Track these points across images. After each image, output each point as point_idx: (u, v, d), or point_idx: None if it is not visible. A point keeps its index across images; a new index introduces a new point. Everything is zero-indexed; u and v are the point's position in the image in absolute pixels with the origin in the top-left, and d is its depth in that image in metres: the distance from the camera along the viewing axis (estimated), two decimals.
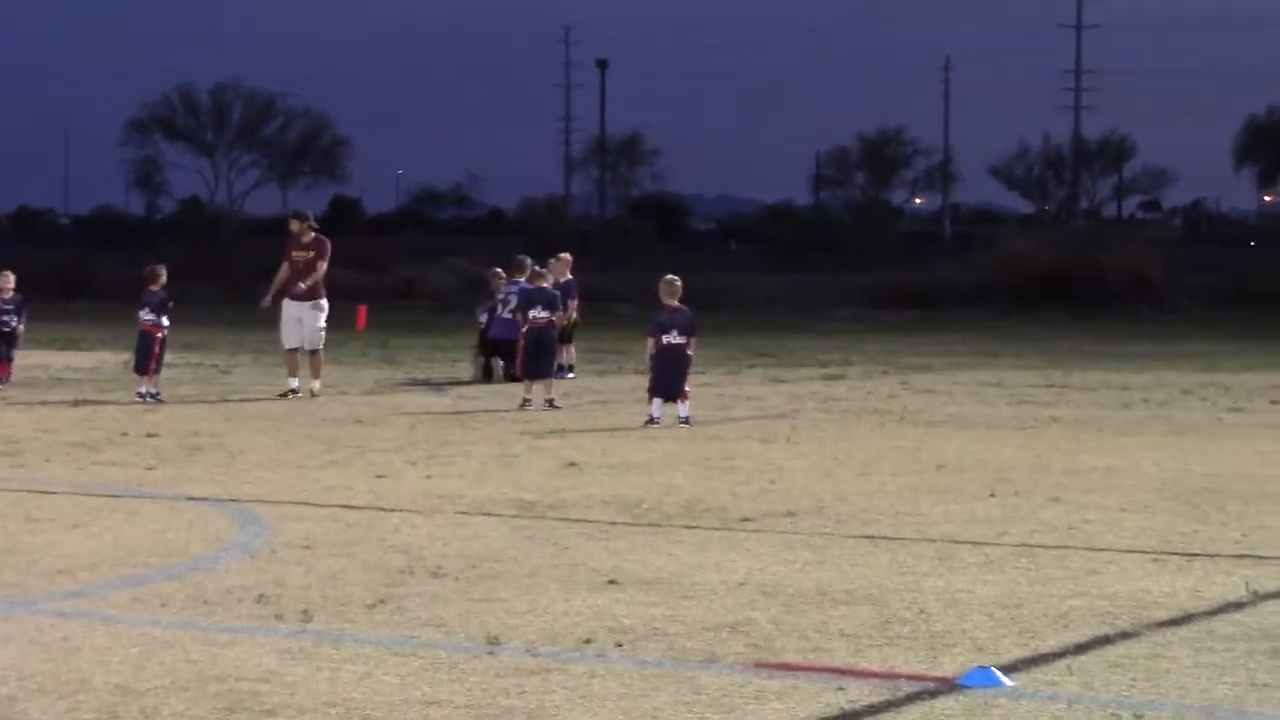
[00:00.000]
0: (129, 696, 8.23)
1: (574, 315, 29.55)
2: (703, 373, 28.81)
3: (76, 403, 24.40)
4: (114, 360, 33.27)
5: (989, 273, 67.87)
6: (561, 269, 29.28)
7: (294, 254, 26.02)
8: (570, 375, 29.07)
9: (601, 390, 27.39)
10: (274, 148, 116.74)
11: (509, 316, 27.69)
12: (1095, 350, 40.07)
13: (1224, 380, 29.99)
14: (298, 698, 8.21)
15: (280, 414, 22.74)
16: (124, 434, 20.01)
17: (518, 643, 9.35)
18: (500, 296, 29.12)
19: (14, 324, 27.88)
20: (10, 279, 28.27)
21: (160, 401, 24.32)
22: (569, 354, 29.94)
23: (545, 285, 25.26)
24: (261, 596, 10.54)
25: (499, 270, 30.04)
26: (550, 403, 23.63)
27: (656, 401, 21.59)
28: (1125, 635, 9.63)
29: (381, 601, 10.44)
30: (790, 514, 14.09)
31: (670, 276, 22.34)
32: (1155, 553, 12.35)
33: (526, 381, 24.14)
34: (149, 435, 19.85)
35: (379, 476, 16.35)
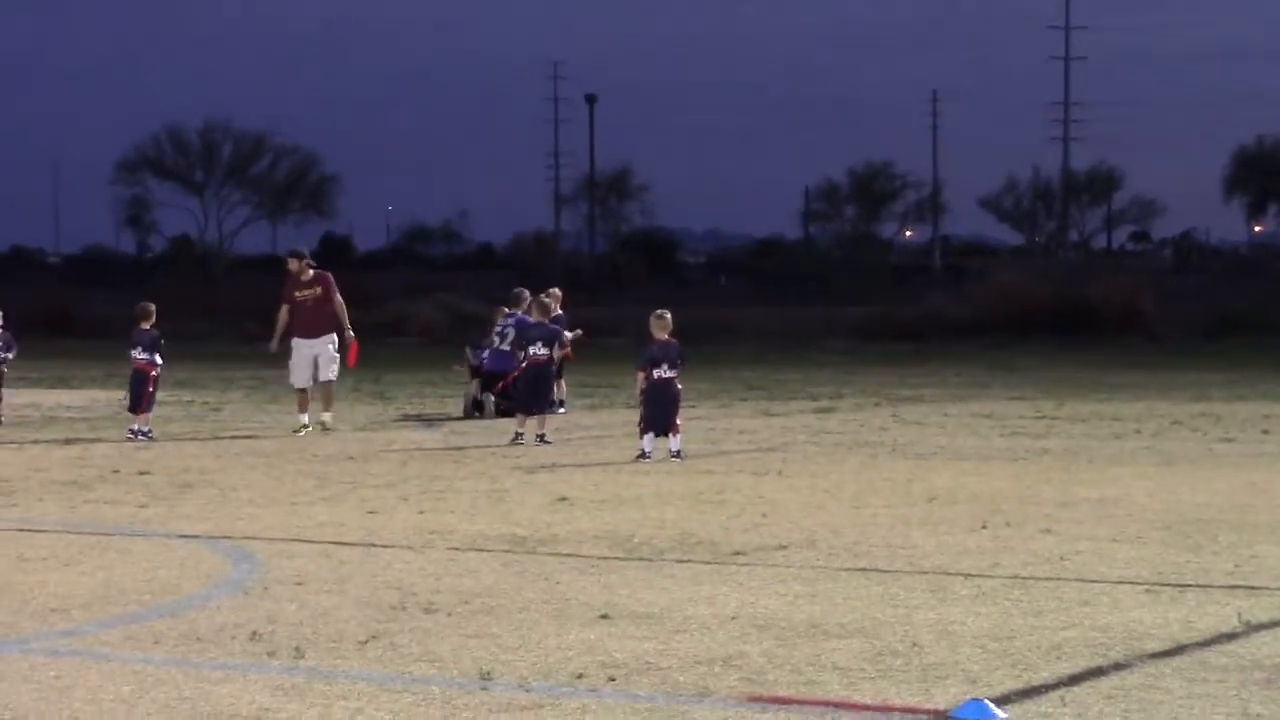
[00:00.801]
0: None
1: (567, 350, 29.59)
2: (694, 406, 28.83)
3: (68, 441, 24.39)
4: (105, 398, 33.27)
5: (980, 305, 67.94)
6: (553, 304, 29.24)
7: (296, 294, 26.01)
8: (561, 410, 29.05)
9: (592, 425, 27.39)
10: (263, 185, 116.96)
11: (505, 349, 27.70)
12: (1086, 381, 40.10)
13: (1215, 410, 30.02)
14: None
15: (271, 450, 22.74)
16: (116, 472, 20.00)
17: (510, 678, 9.35)
18: (498, 329, 29.10)
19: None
20: None
21: (152, 439, 24.31)
22: (560, 389, 29.92)
23: (544, 319, 25.18)
24: (254, 633, 10.53)
25: (504, 308, 29.80)
26: (542, 438, 23.62)
27: (648, 436, 21.59)
28: (1118, 666, 9.63)
29: (374, 637, 10.43)
30: (782, 547, 14.09)
31: (660, 310, 22.35)
32: (1148, 584, 12.35)
33: (520, 416, 24.13)
34: (141, 473, 19.84)
35: (371, 512, 16.34)
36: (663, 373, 21.75)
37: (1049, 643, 10.26)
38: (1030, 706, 8.73)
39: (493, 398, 28.77)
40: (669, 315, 22.22)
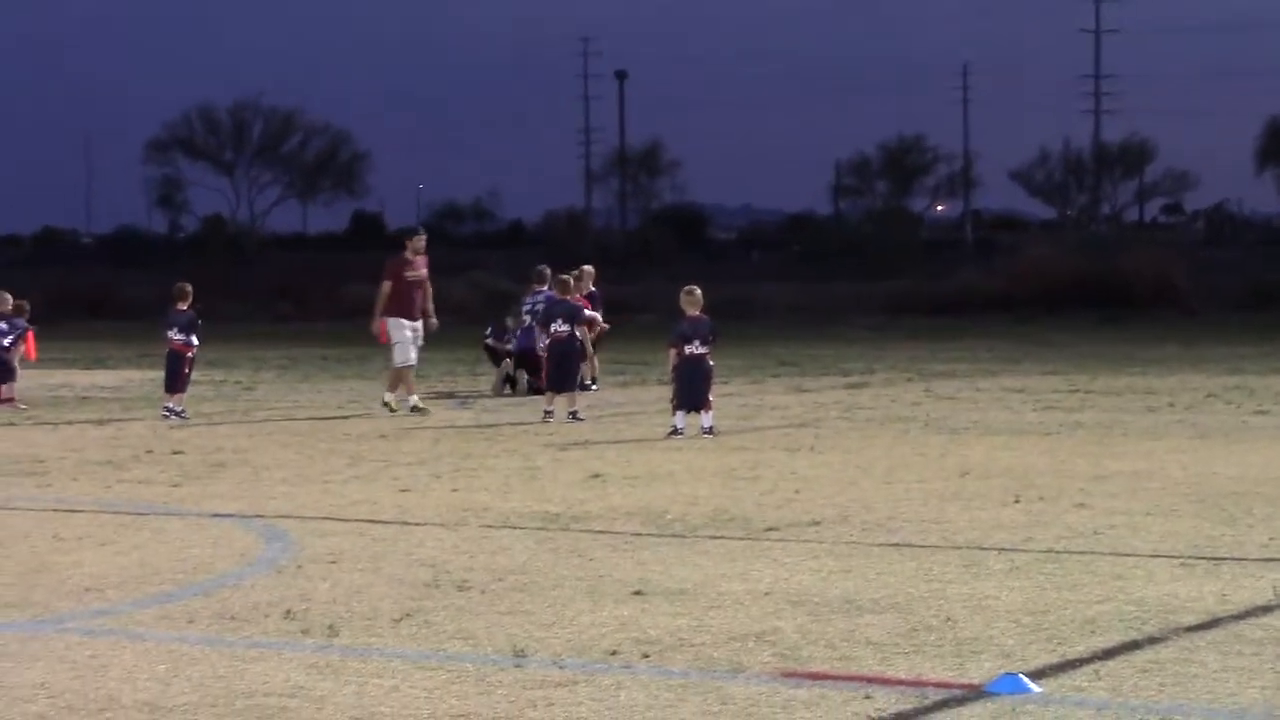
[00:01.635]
0: (157, 713, 8.25)
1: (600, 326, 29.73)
2: (726, 382, 28.81)
3: (102, 421, 24.47)
4: (139, 378, 33.38)
5: (1012, 279, 67.77)
6: (585, 281, 29.48)
7: (407, 274, 25.59)
8: (594, 388, 29.08)
9: (624, 402, 27.39)
10: (294, 164, 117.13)
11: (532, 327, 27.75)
12: (1119, 354, 39.99)
13: (1249, 383, 29.91)
14: (325, 712, 8.22)
15: (304, 429, 22.78)
16: (149, 451, 20.06)
17: (544, 655, 9.36)
18: (527, 307, 29.15)
19: (6, 344, 27.76)
20: (8, 300, 28.25)
21: (185, 419, 24.37)
22: (593, 367, 29.98)
23: (569, 297, 25.22)
24: (288, 612, 10.56)
25: (534, 285, 29.79)
26: (573, 415, 23.62)
27: (680, 412, 21.59)
28: (1153, 640, 9.61)
29: (408, 615, 10.45)
30: (815, 523, 14.08)
31: (691, 286, 22.34)
32: (1182, 557, 12.32)
33: (549, 394, 24.15)
34: (174, 452, 19.89)
35: (404, 490, 16.37)
36: (694, 349, 21.74)
37: (1083, 617, 10.24)
38: (1064, 680, 8.71)
39: (525, 375, 28.82)
40: (699, 291, 22.19)
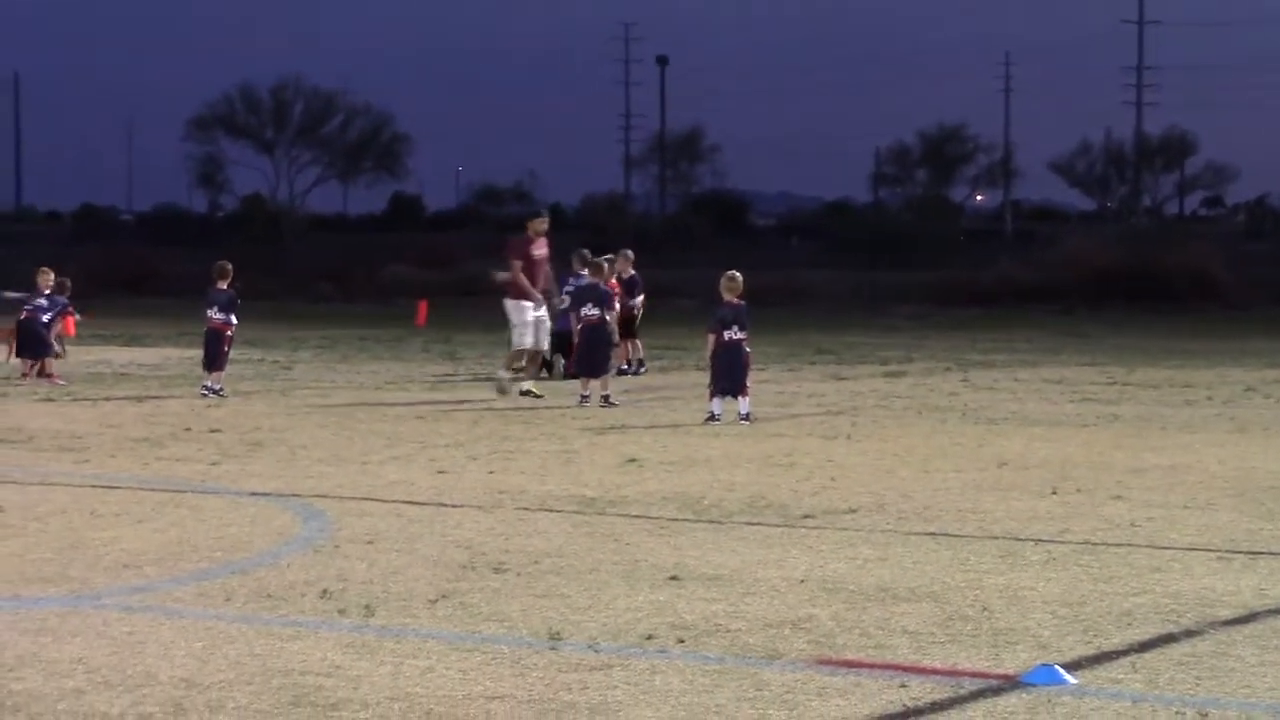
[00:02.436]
0: (194, 690, 8.27)
1: (639, 310, 30.00)
2: (764, 369, 28.80)
3: (140, 398, 24.55)
4: (177, 356, 33.48)
5: (1051, 270, 67.57)
6: (624, 265, 29.67)
7: (535, 254, 25.55)
8: (643, 370, 29.24)
9: (662, 387, 27.38)
10: (334, 145, 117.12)
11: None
12: (1158, 347, 39.87)
13: None
14: (361, 692, 8.24)
15: (341, 409, 22.82)
16: (187, 429, 20.12)
17: (580, 638, 9.37)
18: (567, 289, 29.16)
19: (45, 320, 27.96)
20: (50, 276, 28.48)
21: (223, 397, 24.43)
22: (638, 348, 30.11)
23: (599, 281, 25.19)
24: (325, 591, 10.58)
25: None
26: (606, 399, 23.61)
27: (717, 398, 21.58)
28: (1190, 633, 9.59)
29: (444, 597, 10.47)
30: (851, 511, 14.07)
31: (732, 272, 22.31)
32: (1219, 551, 12.28)
33: (583, 379, 24.15)
34: (212, 431, 19.95)
35: (441, 472, 16.40)
36: (733, 334, 21.73)
37: (1119, 609, 10.21)
38: (1101, 672, 8.69)
39: (561, 360, 28.86)
40: (740, 277, 22.18)
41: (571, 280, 29.34)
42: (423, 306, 45.64)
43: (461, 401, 24.40)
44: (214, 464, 16.99)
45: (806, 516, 13.75)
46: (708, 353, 22.30)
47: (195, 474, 16.27)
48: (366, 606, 10.13)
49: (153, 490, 15.16)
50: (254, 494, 14.93)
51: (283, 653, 9.00)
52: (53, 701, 8.07)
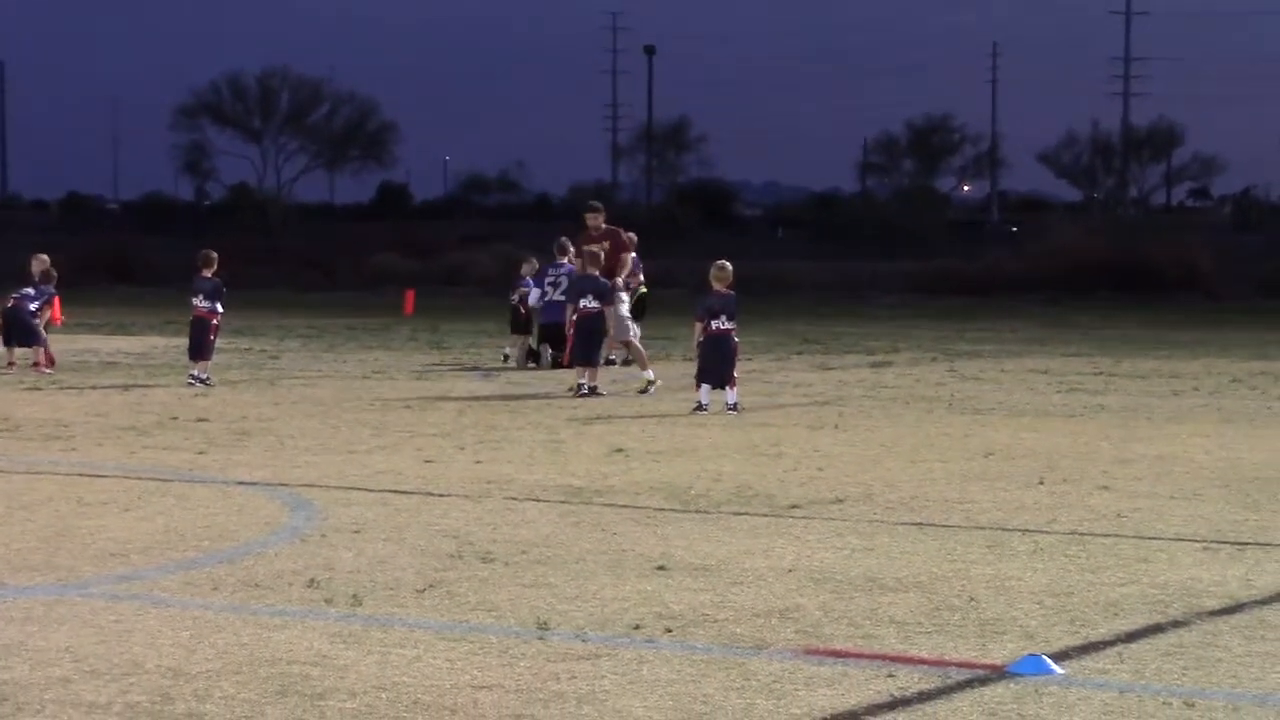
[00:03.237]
0: (180, 679, 8.27)
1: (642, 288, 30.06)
2: (750, 359, 28.80)
3: (127, 387, 24.52)
4: (164, 345, 33.44)
5: (1038, 260, 67.59)
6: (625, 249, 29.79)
7: (588, 249, 25.66)
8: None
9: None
10: (321, 134, 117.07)
11: (560, 299, 27.67)
12: (1144, 338, 39.92)
13: (1275, 369, 29.84)
14: (348, 681, 8.24)
15: (329, 399, 22.81)
16: (174, 418, 20.10)
17: (567, 628, 9.37)
18: (550, 278, 29.13)
19: (33, 309, 27.76)
20: (45, 262, 28.33)
21: (210, 386, 24.41)
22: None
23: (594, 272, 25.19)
24: (312, 580, 10.58)
25: (532, 259, 30.80)
26: (593, 389, 23.59)
27: (704, 388, 21.58)
28: (1176, 624, 9.60)
29: (431, 586, 10.47)
30: (838, 501, 14.08)
31: (722, 261, 22.29)
32: (1206, 541, 12.30)
33: (580, 368, 24.13)
34: (199, 420, 19.93)
35: (428, 461, 16.39)
36: (720, 324, 21.72)
37: (1106, 599, 10.23)
38: (1088, 663, 8.71)
39: (549, 349, 28.82)
40: (730, 267, 22.16)
41: (551, 269, 29.36)
42: (409, 295, 45.60)
43: (448, 391, 24.39)
44: (201, 453, 16.97)
45: (793, 506, 13.75)
46: (694, 341, 22.29)
47: (182, 463, 16.26)
48: (354, 596, 10.12)
49: (140, 479, 15.15)
50: (241, 483, 14.91)
51: (270, 642, 9.00)
52: (39, 690, 8.06)
